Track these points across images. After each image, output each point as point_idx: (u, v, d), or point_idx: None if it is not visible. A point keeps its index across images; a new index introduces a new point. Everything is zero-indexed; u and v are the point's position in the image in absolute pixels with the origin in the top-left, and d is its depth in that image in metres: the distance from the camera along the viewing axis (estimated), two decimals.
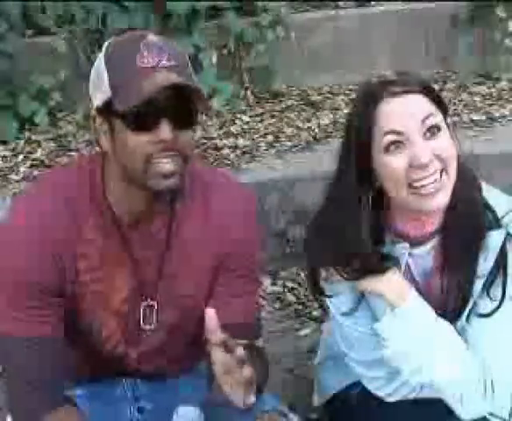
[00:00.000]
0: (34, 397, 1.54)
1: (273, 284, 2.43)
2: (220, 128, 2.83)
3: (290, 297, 2.36)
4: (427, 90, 1.48)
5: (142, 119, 1.37)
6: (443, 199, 1.47)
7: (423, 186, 1.44)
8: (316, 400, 1.95)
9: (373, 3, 3.14)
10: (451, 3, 3.15)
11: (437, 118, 1.46)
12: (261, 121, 2.90)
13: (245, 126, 2.86)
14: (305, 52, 3.04)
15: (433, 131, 1.45)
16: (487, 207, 1.59)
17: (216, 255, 1.59)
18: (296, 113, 2.94)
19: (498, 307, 1.57)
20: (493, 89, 3.11)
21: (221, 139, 2.76)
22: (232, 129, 2.83)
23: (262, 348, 1.66)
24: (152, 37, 1.40)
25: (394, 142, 1.44)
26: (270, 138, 2.77)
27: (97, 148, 1.56)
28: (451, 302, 1.63)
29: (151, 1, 2.99)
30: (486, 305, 1.59)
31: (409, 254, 1.60)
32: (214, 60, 2.91)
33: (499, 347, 1.60)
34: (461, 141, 1.56)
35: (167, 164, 1.40)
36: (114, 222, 1.53)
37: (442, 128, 1.45)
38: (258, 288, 1.71)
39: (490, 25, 3.16)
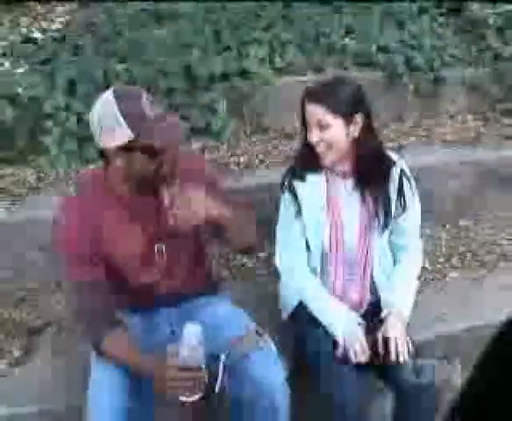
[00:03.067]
0: (95, 322, 1.81)
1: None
2: (228, 151, 3.18)
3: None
4: (328, 104, 1.94)
5: (158, 149, 1.69)
6: (328, 161, 2.03)
7: (318, 152, 2.00)
8: (284, 315, 2.25)
9: (327, 71, 3.46)
10: (373, 72, 3.50)
11: (328, 120, 1.95)
12: (256, 146, 3.24)
13: (245, 149, 3.21)
14: (284, 102, 3.30)
15: (322, 127, 1.96)
16: (387, 155, 2.12)
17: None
18: (278, 141, 3.29)
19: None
20: (402, 127, 3.49)
21: (228, 158, 3.13)
22: (236, 151, 3.18)
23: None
24: (144, 93, 1.69)
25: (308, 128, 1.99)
26: (261, 156, 3.14)
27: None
28: (380, 216, 2.08)
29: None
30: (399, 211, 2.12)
31: (332, 180, 2.08)
32: (224, 107, 3.23)
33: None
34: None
35: (165, 170, 1.74)
36: (124, 205, 1.84)
37: (331, 126, 1.96)
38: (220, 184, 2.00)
39: (399, 87, 3.51)
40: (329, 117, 1.96)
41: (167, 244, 1.90)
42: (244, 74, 3.37)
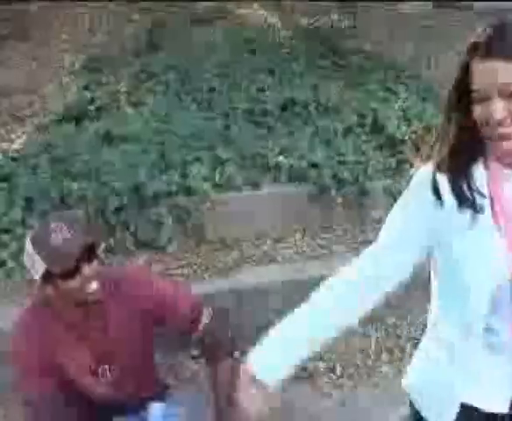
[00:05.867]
0: None
1: None
2: (173, 262, 3.29)
3: None
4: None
5: (69, 271, 1.75)
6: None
7: (500, 133, 1.26)
8: None
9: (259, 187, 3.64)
10: (305, 186, 3.66)
11: None
12: (199, 257, 3.37)
13: (189, 260, 3.34)
14: (224, 215, 3.48)
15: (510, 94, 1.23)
16: None
17: (138, 312, 1.93)
18: (218, 252, 3.42)
19: None
20: (332, 236, 3.63)
21: (174, 269, 3.24)
22: (181, 263, 3.31)
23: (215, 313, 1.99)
24: (52, 223, 1.76)
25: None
26: (203, 267, 3.28)
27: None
28: None
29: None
30: None
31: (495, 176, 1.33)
32: (169, 221, 3.36)
33: None
34: None
35: (92, 287, 1.80)
36: (70, 329, 1.89)
37: None
38: (177, 292, 2.02)
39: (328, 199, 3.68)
40: None
41: (114, 362, 1.97)
42: (187, 190, 3.51)
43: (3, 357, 2.35)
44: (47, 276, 1.78)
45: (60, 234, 1.74)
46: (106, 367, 1.94)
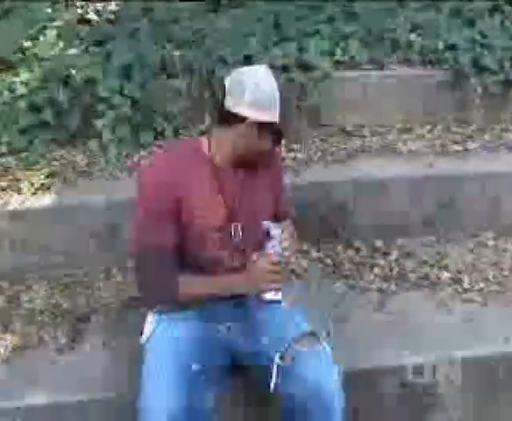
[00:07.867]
0: (169, 277, 1.85)
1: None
2: (285, 146, 3.11)
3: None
4: None
5: (279, 130, 1.80)
6: None
7: None
8: None
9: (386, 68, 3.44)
10: (440, 70, 3.45)
11: None
12: (313, 142, 3.22)
13: (302, 145, 3.18)
14: (345, 97, 3.31)
15: None
16: None
17: (271, 184, 2.01)
18: (336, 138, 3.25)
19: None
20: (467, 130, 3.40)
21: (285, 153, 3.08)
22: (293, 146, 3.16)
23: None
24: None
25: None
26: (319, 153, 3.10)
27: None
28: None
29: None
30: None
31: None
32: None
33: None
34: None
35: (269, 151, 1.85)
36: (213, 173, 1.89)
37: None
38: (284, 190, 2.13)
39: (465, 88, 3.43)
40: None
41: (243, 224, 1.93)
42: (304, 66, 3.31)
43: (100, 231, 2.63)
44: (237, 118, 1.76)
45: (273, 97, 1.77)
46: (234, 225, 1.91)
